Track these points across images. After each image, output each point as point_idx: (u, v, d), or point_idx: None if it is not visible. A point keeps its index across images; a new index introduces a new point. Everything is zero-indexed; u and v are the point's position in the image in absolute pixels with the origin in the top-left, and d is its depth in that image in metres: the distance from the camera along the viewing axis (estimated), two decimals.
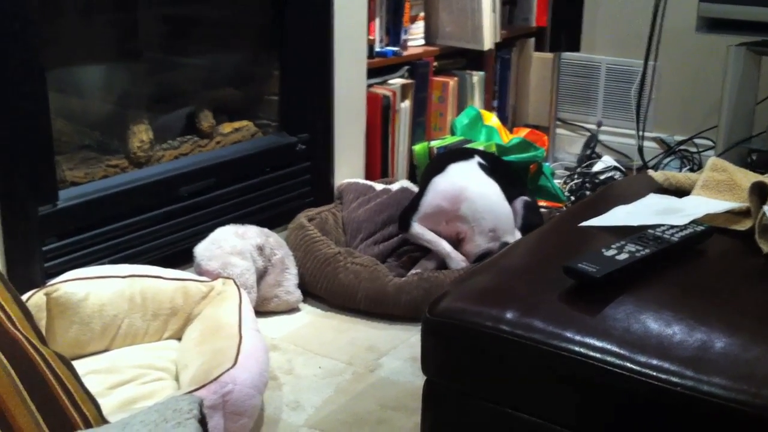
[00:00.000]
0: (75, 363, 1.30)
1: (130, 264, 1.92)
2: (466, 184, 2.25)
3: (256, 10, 2.55)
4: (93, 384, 1.50)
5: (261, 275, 2.10)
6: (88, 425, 1.11)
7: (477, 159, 2.35)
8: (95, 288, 1.72)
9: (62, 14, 2.07)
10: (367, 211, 2.42)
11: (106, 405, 1.48)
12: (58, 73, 2.06)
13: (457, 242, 2.26)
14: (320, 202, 2.52)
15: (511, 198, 2.35)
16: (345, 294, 2.12)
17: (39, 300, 1.65)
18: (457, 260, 2.21)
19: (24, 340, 1.11)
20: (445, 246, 2.23)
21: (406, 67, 2.85)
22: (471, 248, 2.23)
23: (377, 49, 2.75)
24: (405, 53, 2.85)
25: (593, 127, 3.38)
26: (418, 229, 2.26)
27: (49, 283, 1.71)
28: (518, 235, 2.27)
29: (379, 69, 2.75)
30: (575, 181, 2.97)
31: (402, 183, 2.56)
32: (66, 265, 1.93)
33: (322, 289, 2.16)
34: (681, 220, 1.42)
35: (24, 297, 1.66)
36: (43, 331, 1.61)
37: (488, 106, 3.19)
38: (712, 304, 1.21)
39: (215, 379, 1.49)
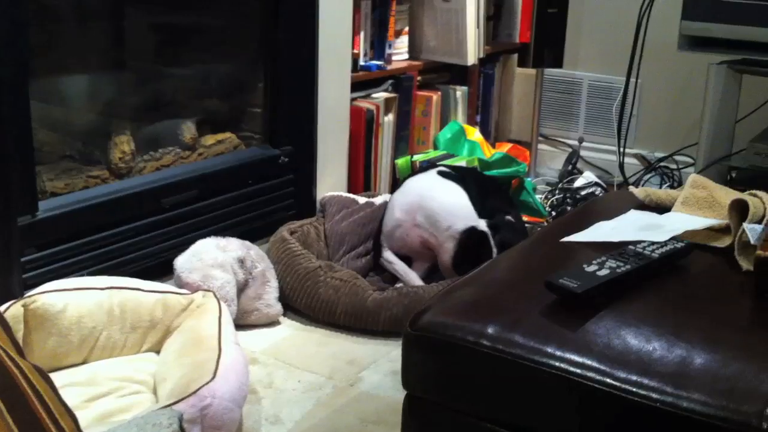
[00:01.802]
0: (53, 375, 1.29)
1: (109, 276, 1.90)
2: (419, 192, 2.28)
3: (240, 22, 2.54)
4: (71, 397, 1.49)
5: (241, 288, 2.09)
6: None
7: (438, 169, 2.38)
8: (74, 300, 1.70)
9: (45, 23, 2.06)
10: (351, 224, 2.42)
11: (84, 418, 1.46)
12: (41, 83, 2.04)
13: (429, 253, 2.26)
14: (302, 215, 2.52)
15: (492, 212, 2.34)
16: (325, 309, 2.11)
17: (16, 311, 1.63)
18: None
19: (1, 352, 1.10)
20: (414, 279, 2.25)
21: (390, 81, 2.86)
22: (445, 258, 2.22)
23: (361, 62, 2.75)
24: (389, 67, 2.85)
25: (575, 142, 3.39)
26: (389, 256, 2.29)
27: (27, 295, 1.69)
28: (480, 222, 2.22)
29: (363, 82, 2.75)
30: (557, 196, 2.98)
31: (385, 197, 2.56)
32: (45, 276, 1.91)
33: (302, 304, 2.15)
34: (661, 237, 1.43)
35: (1, 308, 1.64)
36: (21, 343, 1.60)
37: (471, 121, 3.20)
38: (692, 320, 1.21)
39: (194, 392, 1.48)
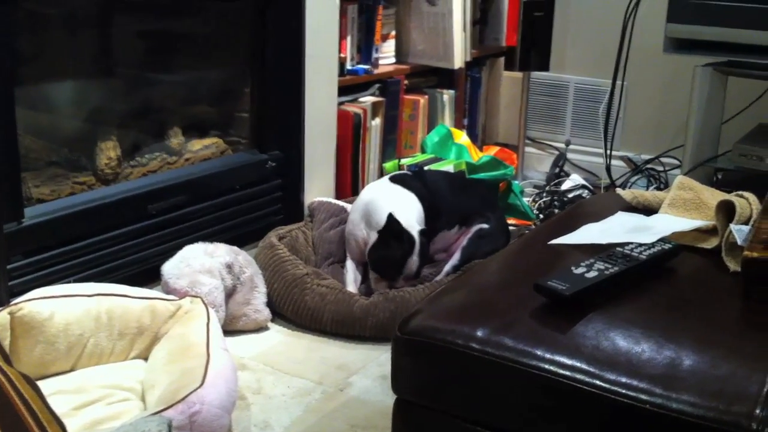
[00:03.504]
0: (40, 383, 1.28)
1: (96, 282, 1.89)
2: (366, 200, 2.27)
3: (227, 28, 2.54)
4: (59, 404, 1.47)
5: (230, 293, 2.08)
6: None
7: (391, 175, 2.39)
8: (60, 307, 1.69)
9: (31, 29, 2.05)
10: (338, 233, 2.41)
11: (73, 426, 1.45)
12: (26, 89, 2.03)
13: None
14: (290, 220, 2.51)
15: (464, 218, 2.36)
16: (311, 317, 2.10)
17: (3, 319, 1.62)
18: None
19: None
20: (346, 282, 2.24)
21: (377, 85, 2.86)
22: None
23: (348, 67, 2.75)
24: (376, 71, 2.85)
25: (562, 145, 3.40)
26: (348, 264, 2.29)
27: (13, 302, 1.68)
28: (412, 225, 2.21)
29: (350, 87, 2.75)
30: (544, 199, 2.98)
31: None
32: (31, 283, 1.90)
33: (290, 311, 2.14)
34: (649, 238, 1.43)
35: None
36: (8, 351, 1.59)
37: (458, 125, 3.21)
38: (680, 321, 1.22)
39: (183, 399, 1.47)
